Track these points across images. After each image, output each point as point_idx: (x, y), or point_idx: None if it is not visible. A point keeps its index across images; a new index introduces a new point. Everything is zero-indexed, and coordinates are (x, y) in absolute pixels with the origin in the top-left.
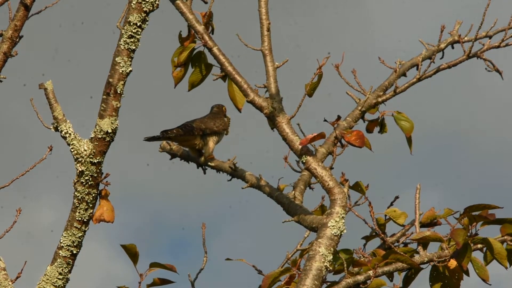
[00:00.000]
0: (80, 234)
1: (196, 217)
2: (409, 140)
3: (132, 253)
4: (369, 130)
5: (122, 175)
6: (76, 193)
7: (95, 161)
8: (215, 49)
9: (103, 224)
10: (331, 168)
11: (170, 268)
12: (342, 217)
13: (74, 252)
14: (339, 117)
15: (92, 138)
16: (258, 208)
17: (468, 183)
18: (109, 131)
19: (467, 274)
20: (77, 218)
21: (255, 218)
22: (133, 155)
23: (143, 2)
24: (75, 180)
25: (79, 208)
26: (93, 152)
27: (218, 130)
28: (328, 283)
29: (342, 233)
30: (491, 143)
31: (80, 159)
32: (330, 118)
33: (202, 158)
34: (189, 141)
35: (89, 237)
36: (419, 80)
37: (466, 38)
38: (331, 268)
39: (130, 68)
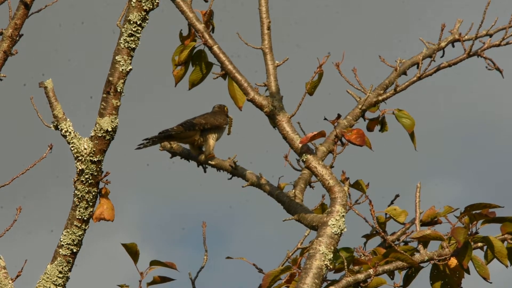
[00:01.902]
0: (80, 233)
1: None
2: (412, 136)
3: (133, 252)
4: (369, 128)
5: (124, 173)
6: (76, 191)
7: (95, 160)
8: (215, 48)
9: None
10: (331, 166)
11: (170, 265)
12: (343, 215)
13: (74, 250)
14: (339, 116)
15: (92, 136)
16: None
17: (468, 181)
18: (109, 129)
19: (468, 272)
20: (77, 217)
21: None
22: (132, 154)
23: (143, 1)
24: (75, 179)
25: (79, 206)
26: (93, 150)
27: (220, 124)
28: (329, 282)
29: (343, 231)
30: (492, 139)
31: (80, 158)
32: (330, 116)
33: (203, 157)
34: (190, 138)
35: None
36: (419, 78)
37: (466, 37)
38: (331, 266)
39: (130, 67)
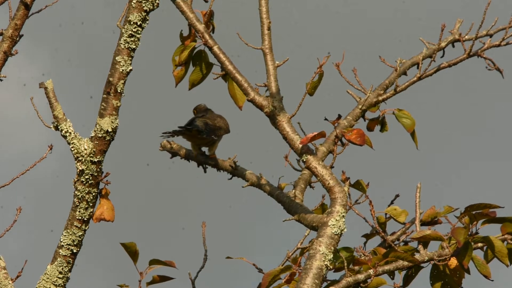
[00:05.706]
0: (80, 233)
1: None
2: (413, 136)
3: (132, 251)
4: (370, 128)
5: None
6: (76, 192)
7: (95, 160)
8: (215, 48)
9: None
10: (331, 167)
11: (169, 264)
12: (343, 216)
13: (74, 251)
14: (339, 116)
15: (92, 137)
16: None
17: (469, 181)
18: (109, 130)
19: (468, 272)
20: (77, 217)
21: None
22: (133, 154)
23: (144, 1)
24: (75, 179)
25: (79, 207)
26: (93, 151)
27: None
28: (329, 282)
29: (343, 232)
30: (492, 139)
31: (80, 158)
32: (330, 117)
33: (204, 157)
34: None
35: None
36: (419, 79)
37: (466, 37)
38: (331, 267)
39: (130, 67)
